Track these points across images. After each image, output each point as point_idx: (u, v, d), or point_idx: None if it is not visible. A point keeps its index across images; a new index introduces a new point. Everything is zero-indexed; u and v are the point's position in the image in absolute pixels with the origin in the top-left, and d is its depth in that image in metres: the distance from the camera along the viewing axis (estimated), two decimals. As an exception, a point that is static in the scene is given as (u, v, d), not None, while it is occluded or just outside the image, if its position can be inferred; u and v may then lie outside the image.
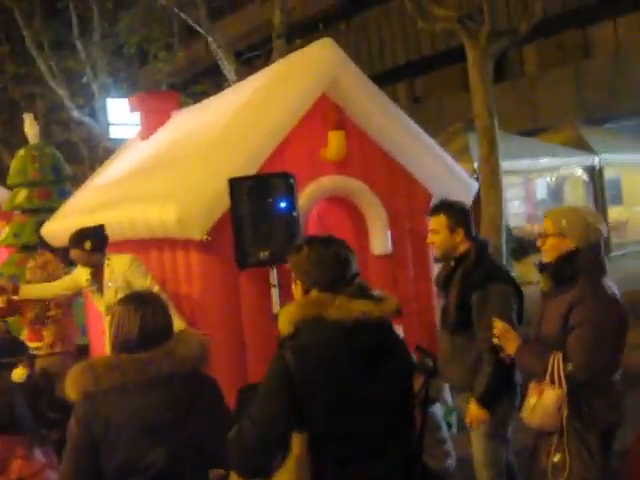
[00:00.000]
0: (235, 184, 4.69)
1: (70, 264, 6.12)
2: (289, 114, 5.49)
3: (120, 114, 16.18)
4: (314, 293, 2.38)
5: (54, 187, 10.13)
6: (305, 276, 2.44)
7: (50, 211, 8.51)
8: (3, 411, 3.47)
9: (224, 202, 4.87)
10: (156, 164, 6.16)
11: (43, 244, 7.77)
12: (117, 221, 5.66)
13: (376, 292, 2.37)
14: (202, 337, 2.71)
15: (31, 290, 5.62)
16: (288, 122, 5.47)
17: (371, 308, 2.27)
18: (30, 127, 10.45)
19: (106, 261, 5.22)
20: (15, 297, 5.53)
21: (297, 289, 2.50)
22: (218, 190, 4.92)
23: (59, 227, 7.02)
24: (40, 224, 8.38)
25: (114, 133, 15.57)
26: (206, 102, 7.41)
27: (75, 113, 16.68)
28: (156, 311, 2.57)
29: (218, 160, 5.26)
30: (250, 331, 5.28)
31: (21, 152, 10.35)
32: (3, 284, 5.63)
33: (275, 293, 4.94)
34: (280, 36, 12.70)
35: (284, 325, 2.34)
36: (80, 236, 5.18)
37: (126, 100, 11.37)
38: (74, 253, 5.20)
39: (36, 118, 10.81)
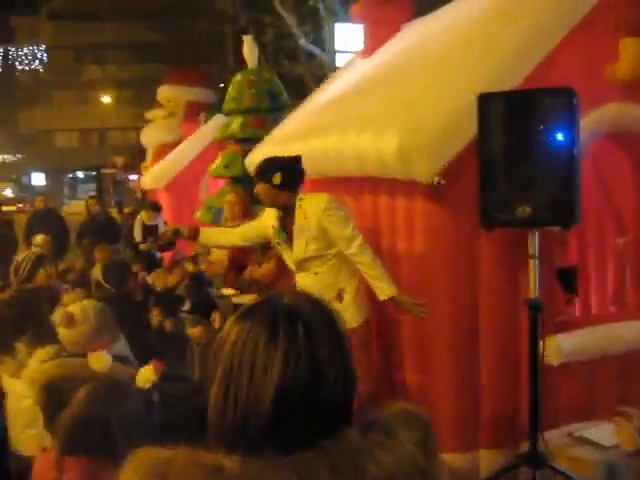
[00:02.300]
0: (486, 102, 3.21)
1: (256, 203, 5.06)
2: (564, 11, 3.85)
3: (348, 42, 15.13)
4: None
5: (269, 115, 9.30)
6: None
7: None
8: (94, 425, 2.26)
9: (466, 131, 3.42)
10: (376, 83, 4.80)
11: (244, 177, 6.84)
12: (322, 152, 4.42)
13: None
14: (423, 416, 1.16)
15: (210, 235, 4.58)
16: (561, 23, 3.83)
17: None
18: (249, 50, 9.68)
19: (298, 202, 4.04)
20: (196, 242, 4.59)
21: None
22: (458, 113, 3.49)
23: (259, 158, 5.97)
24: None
25: (340, 62, 14.50)
26: (448, 6, 5.82)
27: (302, 41, 15.88)
28: (319, 348, 1.11)
29: (457, 73, 3.80)
30: (488, 317, 3.84)
31: (238, 77, 9.66)
32: (181, 226, 4.61)
33: (533, 269, 3.43)
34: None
35: None
36: (269, 167, 4.05)
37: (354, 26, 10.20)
38: (260, 188, 4.09)
39: (265, 46, 10.05)
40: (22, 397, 3.38)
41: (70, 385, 2.97)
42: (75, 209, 25.36)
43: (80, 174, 54.40)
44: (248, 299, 5.89)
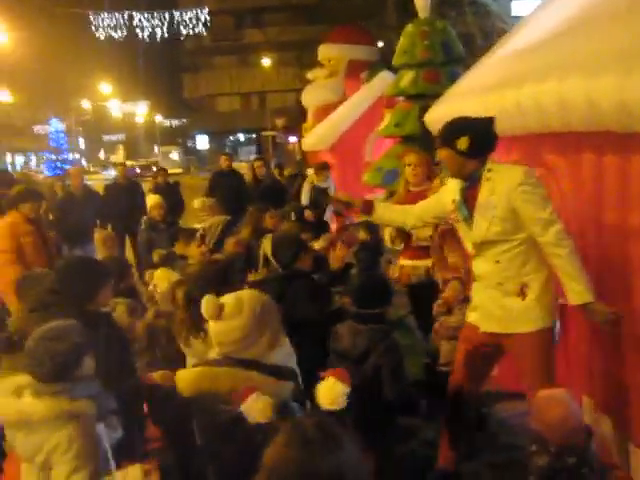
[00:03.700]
0: None
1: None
2: None
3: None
4: None
5: (443, 69, 8.59)
6: None
7: (437, 97, 6.90)
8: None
9: None
10: (589, 19, 3.91)
11: (419, 136, 6.18)
12: (532, 101, 3.65)
13: None
14: None
15: (384, 212, 3.97)
16: None
17: None
18: (422, -2, 8.90)
19: (485, 173, 3.37)
20: (368, 218, 4.02)
21: None
22: None
23: (441, 113, 5.25)
24: (424, 111, 6.82)
25: (517, 10, 13.35)
26: None
27: (471, -9, 14.82)
28: None
29: None
30: None
31: (409, 28, 8.98)
32: (352, 199, 3.98)
33: None
34: None
35: None
36: (454, 130, 3.42)
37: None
38: (443, 154, 3.47)
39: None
40: None
41: (217, 401, 2.45)
42: (237, 171, 25.87)
43: (241, 136, 55.87)
44: (424, 265, 5.27)
